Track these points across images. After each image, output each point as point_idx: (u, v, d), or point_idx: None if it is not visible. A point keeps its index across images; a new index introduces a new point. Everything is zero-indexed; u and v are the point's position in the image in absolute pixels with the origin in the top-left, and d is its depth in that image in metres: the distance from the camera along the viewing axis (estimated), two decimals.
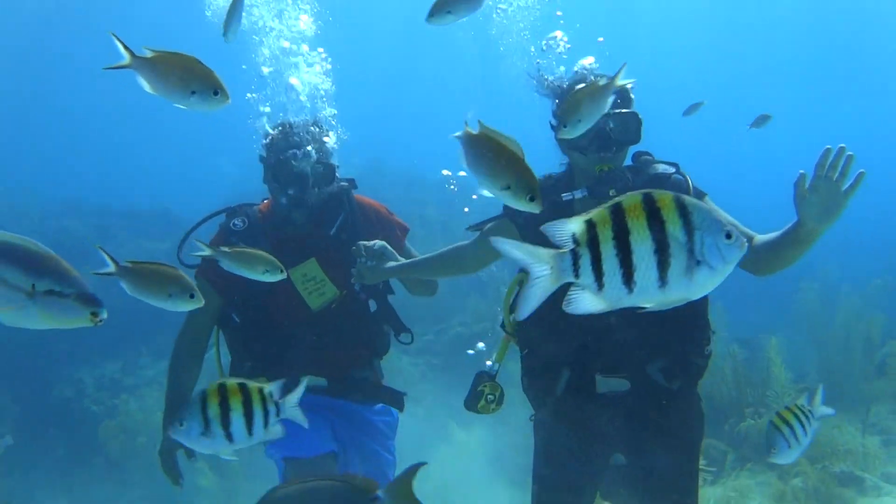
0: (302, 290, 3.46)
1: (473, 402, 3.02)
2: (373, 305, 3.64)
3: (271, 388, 2.61)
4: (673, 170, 2.84)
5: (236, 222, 3.56)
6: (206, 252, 2.84)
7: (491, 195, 2.17)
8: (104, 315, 1.85)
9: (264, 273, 2.80)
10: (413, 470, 2.34)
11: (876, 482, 5.94)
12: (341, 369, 3.57)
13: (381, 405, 3.71)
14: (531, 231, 2.75)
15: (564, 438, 2.80)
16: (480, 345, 7.79)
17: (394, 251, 3.26)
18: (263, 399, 2.57)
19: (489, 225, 3.03)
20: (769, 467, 6.13)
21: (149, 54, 2.13)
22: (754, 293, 8.39)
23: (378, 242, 3.24)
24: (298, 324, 3.48)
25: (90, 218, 15.07)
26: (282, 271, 2.84)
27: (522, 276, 2.90)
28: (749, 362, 7.60)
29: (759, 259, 2.65)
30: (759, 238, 2.70)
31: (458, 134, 2.18)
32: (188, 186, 24.87)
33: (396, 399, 3.66)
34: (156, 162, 32.56)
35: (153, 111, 28.17)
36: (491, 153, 2.10)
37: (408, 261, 3.28)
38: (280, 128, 3.58)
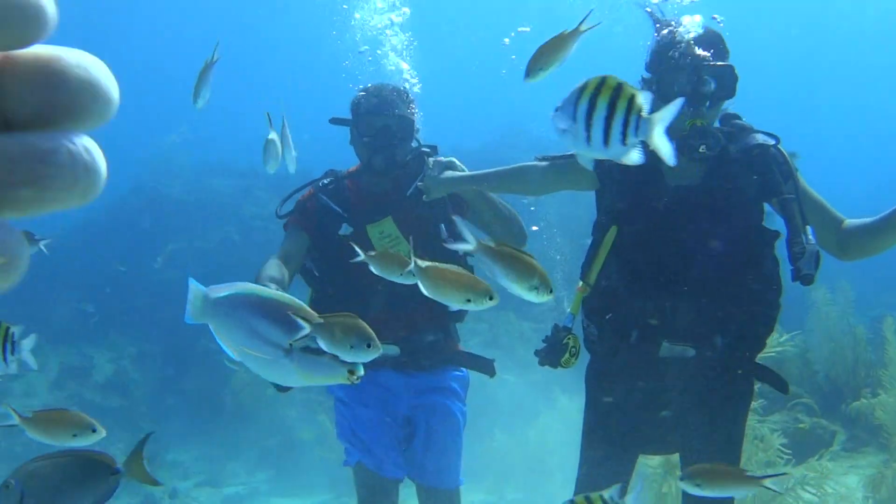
0: (378, 246, 3.55)
1: (557, 356, 2.90)
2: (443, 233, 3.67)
3: (16, 329, 2.53)
4: (773, 141, 2.79)
5: (324, 181, 3.81)
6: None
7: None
8: (361, 372, 1.87)
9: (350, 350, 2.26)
10: (142, 442, 2.34)
11: None
12: (411, 332, 3.68)
13: (454, 374, 3.80)
14: (606, 175, 2.84)
15: (619, 391, 2.92)
16: None
17: (463, 165, 3.26)
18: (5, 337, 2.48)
19: (563, 160, 2.97)
20: (880, 449, 6.25)
21: None
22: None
23: (448, 157, 3.28)
24: (373, 282, 3.47)
25: (237, 179, 16.08)
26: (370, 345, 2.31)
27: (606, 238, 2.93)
28: (870, 342, 7.64)
29: (850, 243, 2.73)
30: (850, 222, 2.77)
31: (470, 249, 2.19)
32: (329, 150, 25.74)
33: (482, 365, 3.67)
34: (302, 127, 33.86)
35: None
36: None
37: (474, 172, 3.24)
38: (364, 91, 3.78)
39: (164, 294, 11.56)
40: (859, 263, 2.86)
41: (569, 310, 2.97)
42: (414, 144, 3.69)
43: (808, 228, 2.58)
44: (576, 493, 2.85)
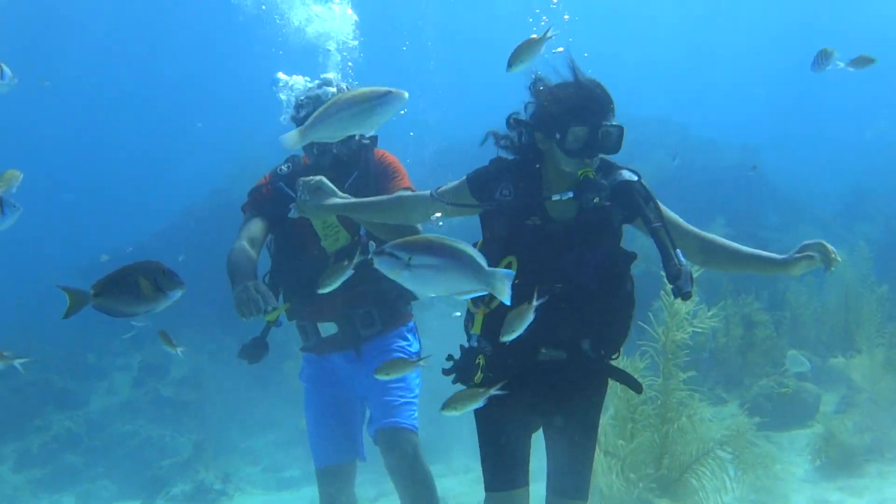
0: (321, 234, 4.10)
1: (471, 375, 3.31)
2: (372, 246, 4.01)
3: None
4: (636, 177, 3.24)
5: (283, 168, 4.28)
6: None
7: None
8: None
9: None
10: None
11: None
12: (348, 307, 4.17)
13: (397, 332, 4.26)
14: (494, 208, 3.24)
15: (507, 394, 3.24)
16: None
17: (334, 188, 3.45)
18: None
19: (449, 185, 3.38)
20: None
21: None
22: None
23: (316, 178, 3.44)
24: (316, 264, 4.00)
25: None
26: None
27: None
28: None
29: (712, 260, 3.33)
30: (711, 238, 3.31)
31: None
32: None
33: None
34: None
35: None
36: None
37: (352, 200, 3.49)
38: (306, 89, 4.24)
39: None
40: None
41: (472, 331, 3.35)
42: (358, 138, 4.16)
43: (678, 252, 3.06)
44: (487, 483, 3.39)
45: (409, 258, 2.58)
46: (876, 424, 6.17)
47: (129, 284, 2.70)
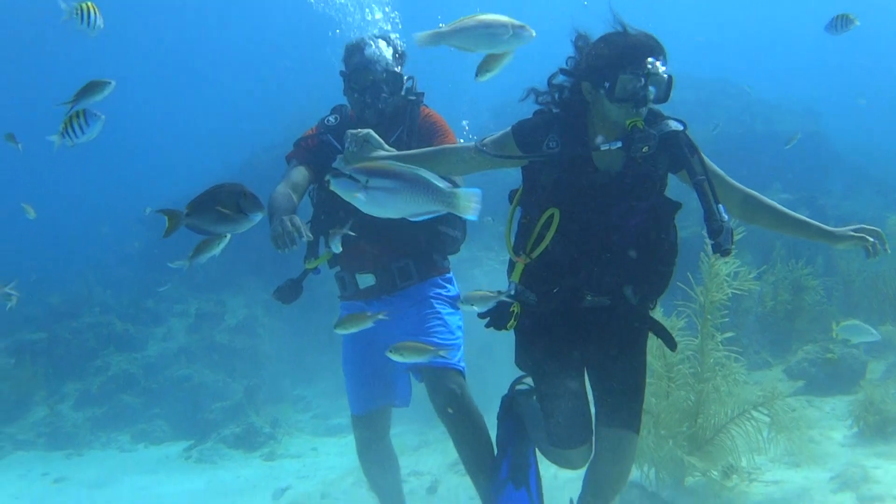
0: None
1: (504, 322, 3.44)
2: None
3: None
4: (682, 127, 3.26)
5: (330, 119, 4.36)
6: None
7: None
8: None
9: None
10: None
11: None
12: (387, 260, 4.28)
13: (436, 280, 4.36)
14: (541, 162, 3.33)
15: (556, 341, 3.48)
16: None
17: (381, 141, 3.47)
18: None
19: (494, 136, 3.41)
20: None
21: None
22: None
23: (364, 131, 3.46)
24: (357, 214, 3.99)
25: None
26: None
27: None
28: None
29: (756, 218, 3.42)
30: (756, 196, 3.41)
31: None
32: None
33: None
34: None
35: None
36: None
37: (397, 153, 3.53)
38: (354, 45, 4.29)
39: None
40: None
41: (512, 279, 3.47)
42: (403, 92, 4.26)
43: (720, 207, 3.12)
44: (552, 439, 3.57)
45: (367, 180, 2.62)
46: None
47: (217, 205, 2.82)
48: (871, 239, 3.34)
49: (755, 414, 5.17)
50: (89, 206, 25.24)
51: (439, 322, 4.34)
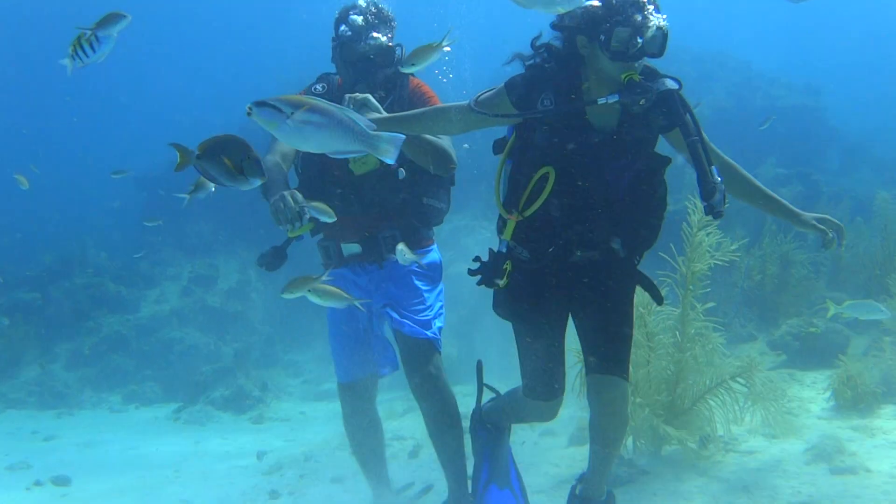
0: (351, 158, 4.11)
1: (497, 278, 3.48)
2: (402, 174, 4.20)
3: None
4: (678, 85, 3.24)
5: (317, 87, 4.30)
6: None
7: None
8: None
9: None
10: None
11: None
12: (373, 230, 4.29)
13: (418, 252, 4.32)
14: (535, 116, 3.31)
15: (542, 296, 3.55)
16: None
17: (378, 105, 3.59)
18: None
19: (487, 94, 3.43)
20: None
21: None
22: None
23: (363, 94, 3.59)
24: (343, 186, 4.16)
25: None
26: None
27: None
28: None
29: (731, 188, 3.29)
30: (735, 167, 3.47)
31: None
32: None
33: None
34: None
35: None
36: None
37: (393, 114, 3.63)
38: (346, 12, 4.21)
39: None
40: None
41: (503, 237, 3.51)
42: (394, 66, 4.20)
43: (713, 169, 3.11)
44: (526, 391, 3.71)
45: (292, 112, 2.59)
46: None
47: (224, 155, 2.79)
48: (831, 234, 3.40)
49: (733, 385, 5.21)
50: (89, 167, 25.16)
51: (418, 299, 4.40)
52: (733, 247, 5.43)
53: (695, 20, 24.51)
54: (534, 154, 3.39)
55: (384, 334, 4.59)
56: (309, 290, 3.88)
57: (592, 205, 3.36)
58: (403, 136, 2.81)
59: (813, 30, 32.84)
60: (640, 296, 5.17)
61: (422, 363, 4.28)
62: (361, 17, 4.16)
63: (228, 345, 11.64)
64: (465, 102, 3.45)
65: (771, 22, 33.55)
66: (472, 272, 3.54)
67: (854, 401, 5.86)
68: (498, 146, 3.63)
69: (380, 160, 4.03)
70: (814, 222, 3.43)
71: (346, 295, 4.03)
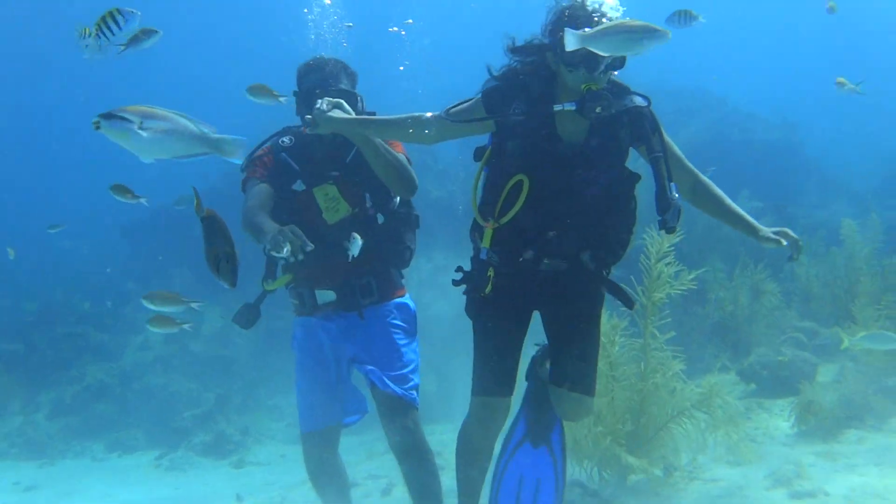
0: (322, 205, 4.22)
1: (482, 286, 3.54)
2: (380, 219, 4.30)
3: None
4: (646, 103, 3.42)
5: (285, 139, 4.33)
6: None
7: None
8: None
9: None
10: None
11: None
12: (346, 277, 4.30)
13: (394, 303, 4.43)
14: (507, 126, 3.43)
15: (507, 300, 3.60)
16: None
17: (351, 111, 3.75)
18: None
19: (463, 105, 3.54)
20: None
21: None
22: None
23: (336, 99, 3.78)
24: (318, 235, 3.99)
25: None
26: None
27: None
28: None
29: (701, 204, 3.58)
30: (708, 184, 3.59)
31: None
32: None
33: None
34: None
35: None
36: None
37: (366, 117, 3.77)
38: (308, 62, 4.31)
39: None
40: None
41: (482, 244, 3.57)
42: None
43: (672, 185, 3.30)
44: (474, 387, 3.68)
45: (141, 122, 2.63)
46: (861, 393, 6.23)
47: (215, 235, 2.76)
48: (785, 243, 3.44)
49: (696, 413, 5.30)
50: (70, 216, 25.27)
51: (395, 353, 4.40)
52: (690, 276, 5.55)
53: (672, 57, 24.88)
54: (507, 163, 3.49)
55: (352, 382, 4.59)
56: (143, 298, 3.91)
57: (560, 215, 3.46)
58: (245, 139, 2.92)
59: (790, 65, 33.34)
60: (602, 326, 5.32)
61: (400, 420, 4.27)
62: (327, 67, 4.27)
63: (211, 390, 11.64)
64: (439, 113, 3.58)
65: (749, 58, 34.14)
66: (455, 282, 3.64)
67: (817, 427, 5.95)
68: (478, 154, 3.72)
69: (350, 208, 4.22)
70: (769, 235, 3.47)
71: (183, 299, 4.05)
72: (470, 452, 3.76)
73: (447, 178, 13.76)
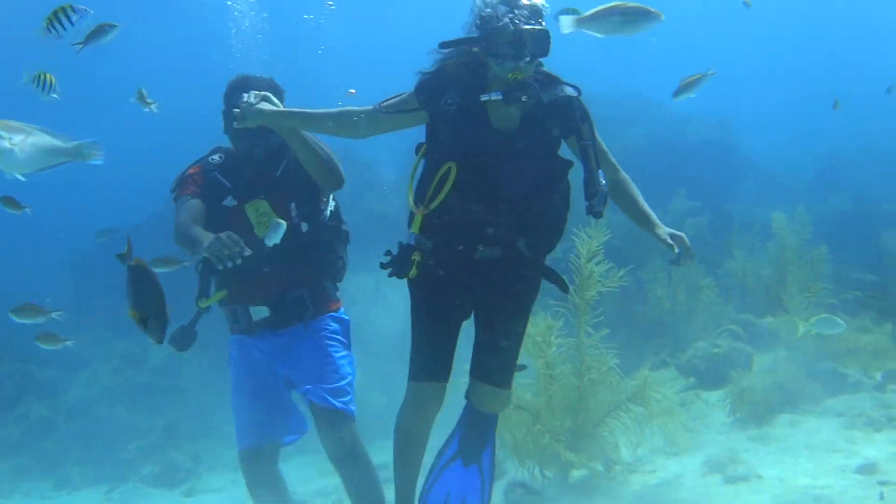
0: (254, 221, 4.24)
1: (406, 270, 3.54)
2: (304, 227, 4.28)
3: None
4: (576, 92, 3.49)
5: (214, 158, 4.37)
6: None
7: None
8: None
9: None
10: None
11: None
12: (279, 292, 4.31)
13: (330, 316, 4.46)
14: (439, 117, 3.50)
15: (442, 289, 3.64)
16: None
17: (279, 104, 3.83)
18: None
19: (396, 98, 3.60)
20: None
21: None
22: None
23: (264, 92, 3.85)
24: (250, 249, 3.88)
25: None
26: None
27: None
28: None
29: (617, 199, 3.66)
30: (626, 180, 3.70)
31: None
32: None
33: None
34: None
35: None
36: None
37: (296, 109, 3.84)
38: (236, 79, 4.30)
39: None
40: None
41: (412, 230, 3.59)
42: None
43: (600, 172, 3.40)
44: (411, 372, 3.71)
45: (10, 138, 2.71)
46: (794, 379, 6.40)
47: (145, 289, 2.76)
48: (675, 247, 3.49)
49: (633, 407, 5.41)
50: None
51: (331, 366, 4.42)
52: (620, 273, 5.67)
53: (609, 63, 25.32)
54: (440, 152, 3.56)
55: (291, 400, 4.59)
56: (10, 311, 3.91)
57: (494, 202, 3.52)
58: (100, 141, 3.01)
59: (725, 67, 33.95)
60: (537, 327, 5.41)
61: (337, 432, 4.29)
62: (251, 87, 4.15)
63: (159, 420, 11.53)
64: (370, 106, 3.64)
65: (684, 61, 34.71)
66: (382, 265, 3.64)
67: (751, 413, 6.11)
68: (418, 149, 3.77)
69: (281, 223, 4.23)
70: (664, 237, 3.53)
71: (45, 310, 4.07)
72: (404, 438, 3.76)
73: (391, 194, 13.82)
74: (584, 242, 5.58)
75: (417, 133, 3.75)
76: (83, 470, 10.68)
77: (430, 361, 3.70)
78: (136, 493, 9.48)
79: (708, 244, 10.75)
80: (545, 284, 3.81)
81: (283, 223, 3.88)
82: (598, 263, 5.59)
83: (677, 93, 5.56)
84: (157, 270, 2.77)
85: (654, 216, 3.69)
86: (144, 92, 4.51)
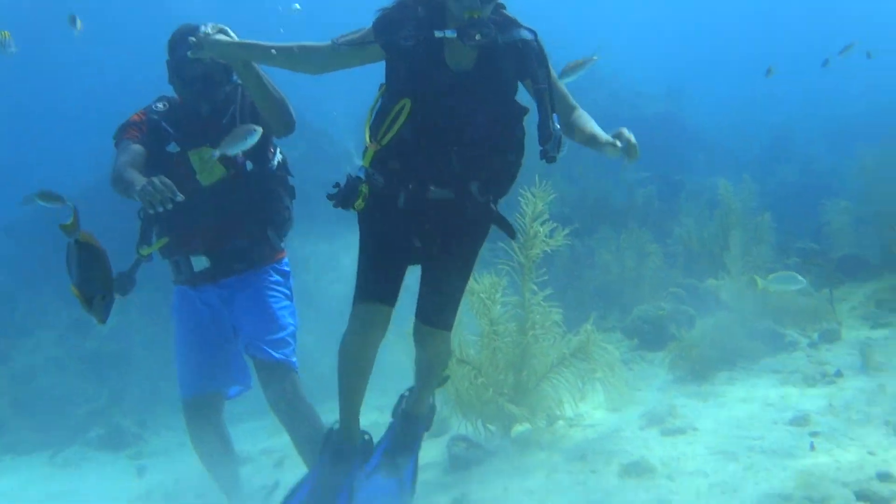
0: (196, 167, 4.30)
1: (351, 200, 3.59)
2: (249, 166, 4.38)
3: None
4: (532, 36, 3.51)
5: (158, 105, 4.43)
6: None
7: None
8: None
9: None
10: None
11: None
12: (223, 241, 4.38)
13: (272, 267, 4.54)
14: (396, 52, 3.51)
15: (392, 223, 3.64)
16: None
17: (235, 36, 3.84)
18: None
19: (352, 35, 3.62)
20: None
21: None
22: None
23: (224, 26, 3.86)
24: (193, 198, 4.09)
25: None
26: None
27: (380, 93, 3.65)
28: None
29: (572, 134, 3.57)
30: (580, 114, 3.63)
31: None
32: None
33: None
34: None
35: None
36: None
37: (252, 41, 3.81)
38: (180, 29, 4.33)
39: None
40: None
41: (360, 163, 3.66)
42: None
43: (555, 116, 3.42)
44: (356, 294, 3.69)
45: None
46: (733, 337, 6.57)
47: (91, 267, 2.69)
48: (619, 144, 3.27)
49: (576, 363, 5.51)
50: None
51: (271, 317, 4.48)
52: (565, 232, 5.75)
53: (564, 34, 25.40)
54: (396, 88, 3.57)
55: (236, 351, 4.61)
56: None
57: (446, 142, 3.53)
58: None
59: (677, 37, 34.27)
60: (482, 284, 5.47)
61: (279, 384, 4.36)
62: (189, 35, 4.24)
63: (106, 386, 11.45)
64: (328, 41, 3.64)
65: (636, 32, 34.86)
66: (329, 196, 3.65)
67: (690, 371, 6.26)
68: (381, 88, 3.77)
69: (226, 170, 4.23)
70: (606, 139, 3.32)
71: None
72: (348, 362, 3.76)
73: (344, 162, 13.79)
74: (530, 202, 5.65)
75: (371, 98, 3.73)
76: (28, 436, 10.57)
77: (374, 284, 3.69)
78: (81, 457, 9.43)
79: (657, 212, 10.94)
80: (492, 234, 3.87)
81: (259, 129, 3.98)
82: (542, 223, 5.65)
83: (562, 75, 5.62)
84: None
85: (600, 132, 3.50)
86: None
